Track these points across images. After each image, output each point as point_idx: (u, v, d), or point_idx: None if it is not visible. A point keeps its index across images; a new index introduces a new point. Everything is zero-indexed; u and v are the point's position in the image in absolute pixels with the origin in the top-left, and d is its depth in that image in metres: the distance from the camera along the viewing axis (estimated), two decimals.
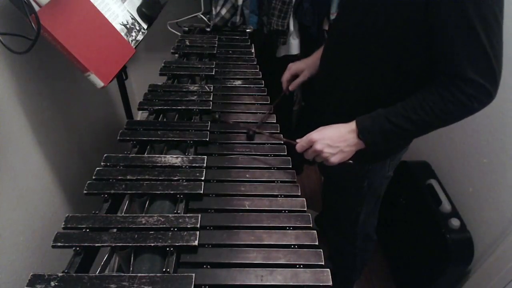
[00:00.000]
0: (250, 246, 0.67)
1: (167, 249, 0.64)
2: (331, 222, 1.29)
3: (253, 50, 1.36)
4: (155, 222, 0.68)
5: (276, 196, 0.78)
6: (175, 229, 0.67)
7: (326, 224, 1.42)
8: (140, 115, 1.77)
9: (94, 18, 0.95)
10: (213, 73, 1.16)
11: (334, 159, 0.79)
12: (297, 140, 0.83)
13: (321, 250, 0.67)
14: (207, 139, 0.90)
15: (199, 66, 1.19)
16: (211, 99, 1.04)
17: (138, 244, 0.64)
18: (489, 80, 0.67)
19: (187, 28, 1.49)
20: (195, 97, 1.04)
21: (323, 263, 0.65)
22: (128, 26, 1.05)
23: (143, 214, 0.70)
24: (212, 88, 1.08)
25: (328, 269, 0.63)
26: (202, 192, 0.76)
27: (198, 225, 0.68)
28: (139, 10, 1.11)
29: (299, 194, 0.79)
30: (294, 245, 0.68)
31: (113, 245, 0.64)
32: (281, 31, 1.44)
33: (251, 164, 0.85)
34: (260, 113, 1.02)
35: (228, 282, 0.61)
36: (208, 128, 0.93)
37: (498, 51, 0.66)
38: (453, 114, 0.72)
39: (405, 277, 1.53)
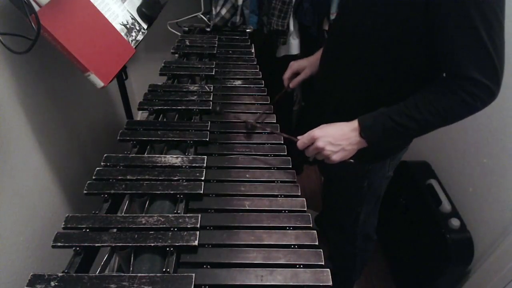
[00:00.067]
0: (250, 246, 0.67)
1: (167, 249, 0.64)
2: (331, 222, 1.29)
3: (253, 50, 1.36)
4: (155, 222, 0.68)
5: (276, 196, 0.78)
6: (175, 229, 0.67)
7: (326, 224, 1.42)
8: (140, 115, 1.77)
9: (94, 18, 0.95)
10: (213, 73, 1.16)
11: (336, 157, 0.79)
12: (298, 137, 0.83)
13: (321, 250, 0.67)
14: (207, 139, 0.90)
15: (199, 66, 1.19)
16: (211, 99, 1.04)
17: (138, 244, 0.64)
18: (491, 79, 0.67)
19: (187, 28, 1.49)
20: (195, 97, 1.04)
21: (323, 263, 0.65)
22: (128, 26, 1.05)
23: (143, 214, 0.70)
24: (212, 88, 1.08)
25: (328, 269, 0.63)
26: (202, 192, 0.76)
27: (198, 225, 0.68)
28: (139, 10, 1.11)
29: (299, 194, 0.79)
30: (294, 245, 0.68)
31: (113, 245, 0.64)
32: (281, 31, 1.44)
33: (251, 164, 0.85)
34: (260, 113, 1.02)
35: (228, 282, 0.61)
36: (208, 128, 0.93)
37: (500, 50, 0.67)
38: (455, 113, 0.72)
39: (405, 277, 1.53)
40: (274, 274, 0.62)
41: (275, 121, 0.99)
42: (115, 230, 0.67)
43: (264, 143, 0.92)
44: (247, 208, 0.75)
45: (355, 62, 0.85)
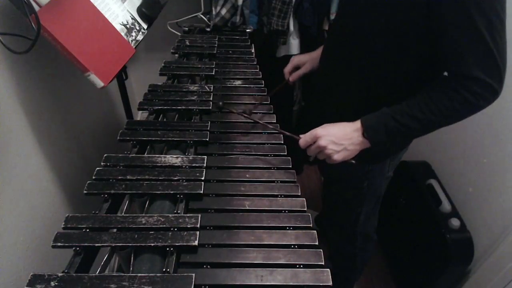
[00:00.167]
0: (250, 246, 0.67)
1: (167, 249, 0.64)
2: (331, 222, 1.29)
3: (253, 50, 1.36)
4: (155, 222, 0.68)
5: (276, 196, 0.78)
6: (175, 229, 0.67)
7: (326, 224, 1.42)
8: (140, 115, 1.77)
9: (94, 18, 0.95)
10: (213, 73, 1.16)
11: (338, 157, 0.79)
12: (301, 135, 0.83)
13: (321, 250, 0.67)
14: (207, 139, 0.90)
15: (199, 66, 1.19)
16: (211, 99, 1.04)
17: (138, 244, 0.64)
18: (494, 77, 0.67)
19: (187, 28, 1.49)
20: (195, 97, 1.04)
21: (323, 263, 0.65)
22: (128, 26, 1.05)
23: (143, 214, 0.70)
24: (212, 88, 1.08)
25: (328, 269, 0.63)
26: (202, 192, 0.76)
27: (198, 225, 0.68)
28: (139, 10, 1.11)
29: (299, 194, 0.79)
30: (294, 245, 0.68)
31: (113, 245, 0.64)
32: (281, 31, 1.44)
33: (251, 164, 0.85)
34: (260, 112, 1.02)
35: (228, 282, 0.61)
36: (208, 128, 0.93)
37: (502, 48, 0.66)
38: (458, 112, 0.72)
39: (405, 277, 1.53)
40: (274, 274, 0.62)
41: (275, 121, 0.99)
42: (115, 230, 0.67)
43: (264, 143, 0.92)
44: (247, 208, 0.75)
45: (355, 62, 0.85)
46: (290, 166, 0.85)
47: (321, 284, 0.62)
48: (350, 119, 0.82)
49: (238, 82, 1.15)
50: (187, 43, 1.33)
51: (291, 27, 1.45)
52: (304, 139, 0.82)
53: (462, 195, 1.34)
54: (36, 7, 0.76)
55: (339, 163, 0.81)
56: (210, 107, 1.01)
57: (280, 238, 0.68)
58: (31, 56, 0.86)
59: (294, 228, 0.71)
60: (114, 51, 0.98)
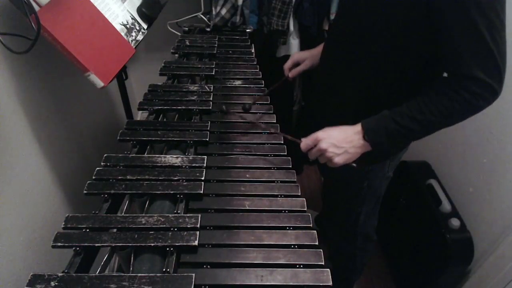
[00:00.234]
0: (250, 246, 0.67)
1: (167, 249, 0.64)
2: (331, 222, 1.29)
3: (253, 50, 1.36)
4: (155, 222, 0.68)
5: (276, 196, 0.78)
6: (175, 229, 0.67)
7: (326, 224, 1.42)
8: (140, 115, 1.77)
9: (94, 18, 0.95)
10: (213, 73, 1.16)
11: (338, 160, 0.79)
12: (302, 139, 0.83)
13: (321, 250, 0.67)
14: (207, 139, 0.90)
15: (199, 66, 1.19)
16: (211, 99, 1.04)
17: (138, 244, 0.64)
18: (493, 77, 0.67)
19: (187, 28, 1.49)
20: (195, 97, 1.04)
21: (323, 263, 0.65)
22: (128, 26, 1.05)
23: (143, 214, 0.70)
24: (212, 88, 1.08)
25: (328, 269, 0.63)
26: (202, 192, 0.76)
27: (198, 225, 0.68)
28: (139, 10, 1.11)
29: (299, 194, 0.79)
30: (294, 245, 0.68)
31: (113, 245, 0.64)
32: (281, 31, 1.45)
33: (251, 164, 0.85)
34: (260, 113, 1.02)
35: (228, 282, 0.61)
36: (208, 128, 0.93)
37: (502, 48, 0.66)
38: (458, 113, 0.72)
39: (405, 277, 1.53)
40: (274, 274, 0.62)
41: (275, 121, 0.99)
42: (115, 230, 0.67)
43: (264, 143, 0.92)
44: (247, 208, 0.75)
45: (355, 62, 0.85)
46: (290, 166, 0.85)
47: (321, 284, 0.61)
48: (350, 119, 0.81)
49: (238, 82, 1.15)
50: (187, 43, 1.33)
51: (291, 27, 1.45)
52: (305, 142, 0.82)
53: (462, 195, 1.34)
54: (36, 7, 0.76)
55: (340, 167, 0.81)
56: (210, 107, 1.01)
57: (280, 238, 0.68)
58: (31, 56, 0.86)
59: (294, 228, 0.71)
60: (114, 51, 0.98)
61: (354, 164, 0.81)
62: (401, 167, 1.46)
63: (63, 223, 0.67)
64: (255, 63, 1.26)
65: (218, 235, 0.69)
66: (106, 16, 0.98)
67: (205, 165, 0.82)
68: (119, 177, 0.78)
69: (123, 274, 0.59)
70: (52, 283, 0.58)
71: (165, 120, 1.01)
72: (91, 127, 1.37)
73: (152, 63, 1.71)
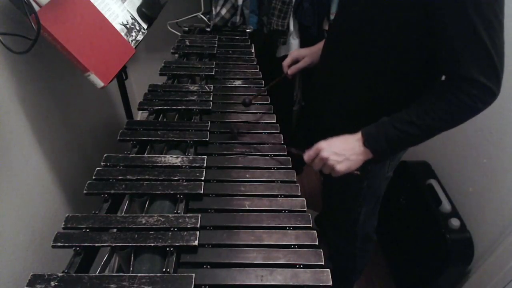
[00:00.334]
0: (250, 246, 0.67)
1: (167, 249, 0.64)
2: (331, 222, 1.29)
3: (253, 50, 1.36)
4: (155, 222, 0.68)
5: (276, 196, 0.78)
6: (175, 229, 0.67)
7: (326, 224, 1.42)
8: (140, 115, 1.77)
9: (94, 18, 0.95)
10: (213, 73, 1.16)
11: (340, 167, 0.78)
12: (306, 151, 0.83)
13: (321, 250, 0.67)
14: (207, 139, 0.90)
15: (199, 66, 1.19)
16: (211, 99, 1.04)
17: (138, 244, 0.64)
18: (491, 79, 0.67)
19: (187, 28, 1.49)
20: (195, 97, 1.04)
21: (323, 263, 0.65)
22: (128, 26, 1.05)
23: (143, 214, 0.70)
24: (212, 88, 1.08)
25: (328, 269, 0.63)
26: (202, 192, 0.76)
27: (198, 225, 0.68)
28: (139, 10, 1.11)
29: (299, 194, 0.79)
30: (294, 245, 0.68)
31: (113, 245, 0.64)
32: (281, 31, 1.45)
33: (251, 164, 0.85)
34: (260, 113, 1.02)
35: (228, 282, 0.61)
36: (208, 128, 0.93)
37: (500, 50, 0.66)
38: (457, 116, 0.72)
39: (405, 277, 1.53)
40: (274, 274, 0.62)
41: (275, 121, 0.99)
42: (115, 230, 0.67)
43: (264, 143, 0.92)
44: (247, 208, 0.75)
45: (355, 62, 0.85)
46: (290, 166, 0.85)
47: (321, 284, 0.62)
48: (349, 119, 0.82)
49: (238, 82, 1.15)
50: (187, 43, 1.33)
51: (291, 27, 1.45)
52: (308, 153, 0.82)
53: (462, 195, 1.34)
54: (36, 7, 0.76)
55: (344, 175, 0.80)
56: (210, 107, 1.01)
57: (280, 238, 0.68)
58: (31, 56, 0.86)
59: (294, 228, 0.71)
60: (114, 51, 0.98)
61: (357, 172, 0.81)
62: (401, 167, 1.46)
63: (63, 223, 0.67)
64: (255, 63, 1.26)
65: (218, 235, 0.69)
66: (106, 16, 0.98)
67: (205, 165, 0.82)
68: (119, 177, 0.78)
69: (123, 274, 0.59)
70: (52, 283, 0.58)
71: (165, 120, 1.01)
72: (91, 127, 1.37)
73: (152, 63, 1.71)
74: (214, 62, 1.21)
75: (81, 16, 0.90)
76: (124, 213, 0.73)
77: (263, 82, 1.15)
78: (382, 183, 1.05)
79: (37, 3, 0.77)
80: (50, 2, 0.79)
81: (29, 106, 0.95)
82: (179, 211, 0.72)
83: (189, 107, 1.00)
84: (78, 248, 0.64)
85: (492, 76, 0.67)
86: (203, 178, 0.79)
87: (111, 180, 0.77)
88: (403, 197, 1.51)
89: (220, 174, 0.82)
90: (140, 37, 1.08)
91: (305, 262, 0.65)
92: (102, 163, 0.81)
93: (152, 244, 0.64)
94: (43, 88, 1.03)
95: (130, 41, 1.04)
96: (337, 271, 1.30)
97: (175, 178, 0.78)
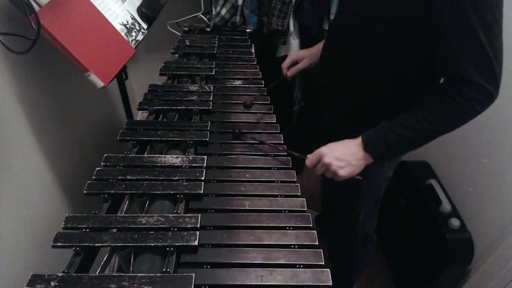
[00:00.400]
0: (250, 246, 0.67)
1: (167, 249, 0.64)
2: (331, 223, 1.29)
3: (253, 50, 1.36)
4: (155, 222, 0.68)
5: (276, 196, 0.78)
6: (175, 229, 0.67)
7: (326, 224, 1.42)
8: (140, 115, 1.77)
9: (94, 18, 0.95)
10: (213, 73, 1.16)
11: (343, 172, 0.79)
12: (308, 155, 0.84)
13: (321, 250, 0.67)
14: (207, 139, 0.90)
15: (199, 66, 1.19)
16: (211, 99, 1.04)
17: (138, 244, 0.64)
18: (490, 81, 0.67)
19: (187, 28, 1.49)
20: (195, 97, 1.04)
21: (323, 263, 0.65)
22: (128, 26, 1.05)
23: (143, 214, 0.70)
24: (212, 88, 1.08)
25: (328, 269, 0.63)
26: (202, 192, 0.76)
27: (198, 225, 0.68)
28: (139, 10, 1.11)
29: (299, 194, 0.79)
30: (294, 245, 0.68)
31: (113, 245, 0.64)
32: (281, 31, 1.45)
33: (251, 164, 0.85)
34: (260, 113, 1.02)
35: (228, 282, 0.61)
36: (208, 128, 0.93)
37: (498, 52, 0.66)
38: (456, 120, 0.72)
39: (405, 277, 1.53)
40: (274, 274, 0.62)
41: (275, 121, 0.99)
42: (115, 230, 0.67)
43: (264, 143, 0.92)
44: (247, 208, 0.75)
45: (354, 62, 0.85)
46: (290, 166, 0.85)
47: (321, 284, 0.61)
48: (349, 119, 0.82)
49: (238, 82, 1.15)
50: (187, 43, 1.33)
51: (291, 27, 1.45)
52: (310, 158, 0.83)
53: (462, 195, 1.34)
54: (36, 7, 0.76)
55: (346, 179, 0.81)
56: (210, 107, 1.01)
57: (280, 238, 0.68)
58: (31, 56, 0.86)
59: (294, 228, 0.71)
60: (114, 51, 0.98)
61: (359, 177, 0.82)
62: (401, 167, 1.46)
63: (63, 223, 0.67)
64: (255, 63, 1.26)
65: (218, 235, 0.69)
66: (106, 16, 0.98)
67: (205, 165, 0.82)
68: (119, 177, 0.78)
69: (123, 274, 0.59)
70: (52, 283, 0.58)
71: (165, 120, 1.01)
72: (91, 127, 1.38)
73: (152, 63, 1.72)
74: (214, 62, 1.21)
75: (81, 16, 0.90)
76: (124, 213, 0.73)
77: (263, 82, 1.15)
78: (381, 183, 1.05)
79: (37, 3, 0.77)
80: (50, 2, 0.79)
81: (29, 106, 0.95)
82: (179, 211, 0.72)
83: (189, 107, 1.00)
84: (78, 248, 0.64)
85: (491, 78, 0.67)
86: (203, 178, 0.79)
87: (111, 180, 0.77)
88: (403, 197, 1.51)
89: (220, 174, 0.82)
90: (140, 37, 1.08)
91: (305, 262, 0.65)
92: (102, 163, 0.81)
93: (152, 244, 0.64)
94: (43, 88, 1.03)
95: (130, 41, 1.04)
96: (337, 271, 1.30)
97: (175, 178, 0.78)
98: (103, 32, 0.96)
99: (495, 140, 1.20)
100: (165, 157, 0.83)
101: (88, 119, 1.36)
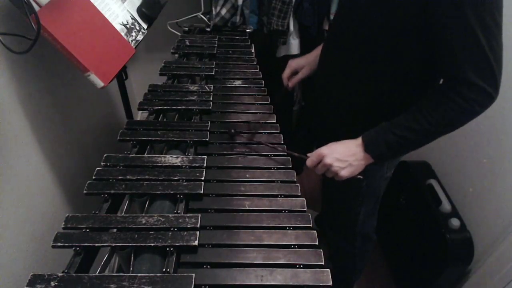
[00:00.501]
0: (250, 246, 0.67)
1: (167, 249, 0.64)
2: (331, 222, 1.29)
3: (253, 50, 1.36)
4: (155, 222, 0.68)
5: (276, 196, 0.78)
6: (175, 229, 0.67)
7: (326, 224, 1.42)
8: (140, 115, 1.77)
9: (94, 18, 0.95)
10: (213, 73, 1.16)
11: (344, 173, 0.80)
12: (308, 154, 0.84)
13: (321, 250, 0.67)
14: (207, 139, 0.90)
15: (199, 66, 1.19)
16: (211, 99, 1.04)
17: (138, 244, 0.64)
18: (489, 82, 0.67)
19: (187, 28, 1.49)
20: (195, 97, 1.04)
21: (323, 263, 0.65)
22: (128, 26, 1.05)
23: (143, 214, 0.70)
24: (212, 88, 1.08)
25: (328, 269, 0.63)
26: (202, 192, 0.76)
27: (198, 225, 0.68)
28: (139, 10, 1.11)
29: (299, 194, 0.79)
30: (294, 245, 0.68)
31: (113, 245, 0.64)
32: (281, 31, 1.44)
33: (251, 164, 0.85)
34: (260, 113, 1.02)
35: (228, 282, 0.61)
36: (208, 128, 0.93)
37: (498, 53, 0.66)
38: (455, 120, 0.72)
39: (405, 277, 1.53)
40: (274, 274, 0.62)
41: (275, 121, 0.99)
42: (115, 230, 0.67)
43: (264, 143, 0.92)
44: (247, 208, 0.75)
45: (353, 62, 0.85)
46: (290, 166, 0.85)
47: (321, 284, 0.62)
48: (349, 119, 0.82)
49: (238, 82, 1.15)
50: (187, 43, 1.33)
51: (291, 27, 1.45)
52: (310, 159, 0.83)
53: (462, 195, 1.34)
54: (36, 7, 0.76)
55: (347, 179, 0.81)
56: (210, 107, 1.01)
57: (280, 238, 0.68)
58: (31, 56, 0.86)
59: (294, 228, 0.71)
60: (114, 51, 0.98)
61: (360, 176, 0.82)
62: (401, 167, 1.46)
63: (63, 223, 0.67)
64: (255, 63, 1.26)
65: (218, 235, 0.69)
66: (106, 16, 0.98)
67: (205, 165, 0.82)
68: (119, 177, 0.78)
69: (123, 274, 0.59)
70: (52, 283, 0.58)
71: (165, 120, 1.01)
72: (91, 127, 1.37)
73: (152, 63, 1.71)
74: (214, 62, 1.21)
75: (81, 16, 0.90)
76: (124, 213, 0.73)
77: (263, 82, 1.15)
78: (381, 183, 1.05)
79: (37, 3, 0.77)
80: (50, 2, 0.79)
81: (29, 106, 0.95)
82: (179, 211, 0.72)
83: (189, 107, 1.00)
84: (78, 248, 0.64)
85: (490, 79, 0.67)
86: (203, 178, 0.79)
87: (111, 180, 0.77)
88: (403, 197, 1.51)
89: (220, 174, 0.82)
90: (140, 37, 1.08)
91: (305, 262, 0.65)
92: (102, 163, 0.81)
93: (152, 244, 0.64)
94: (43, 88, 1.03)
95: (130, 41, 1.04)
96: (337, 271, 1.30)
97: (175, 178, 0.78)
98: (103, 32, 0.96)
99: (495, 140, 1.20)
100: (165, 157, 0.83)
101: (88, 119, 1.36)
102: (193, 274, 0.60)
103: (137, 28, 1.09)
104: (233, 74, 1.19)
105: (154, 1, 1.17)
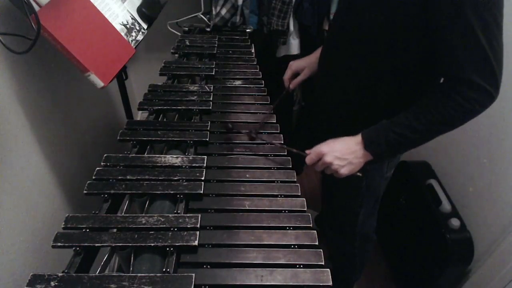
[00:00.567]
0: (250, 246, 0.67)
1: (167, 249, 0.64)
2: (331, 223, 1.29)
3: (253, 50, 1.36)
4: (155, 222, 0.68)
5: (276, 196, 0.78)
6: (175, 229, 0.67)
7: (326, 224, 1.42)
8: (140, 115, 1.77)
9: (94, 18, 0.95)
10: (213, 73, 1.16)
11: (343, 171, 0.80)
12: (307, 151, 0.84)
13: (321, 250, 0.67)
14: (207, 139, 0.90)
15: (199, 66, 1.19)
16: (211, 99, 1.04)
17: (138, 244, 0.64)
18: (490, 81, 0.67)
19: (187, 28, 1.49)
20: (195, 97, 1.04)
21: (323, 263, 0.65)
22: (128, 26, 1.05)
23: (143, 214, 0.70)
24: (212, 88, 1.08)
25: (328, 269, 0.63)
26: (202, 192, 0.76)
27: (198, 225, 0.68)
28: (139, 10, 1.11)
29: (299, 194, 0.79)
30: (294, 245, 0.68)
31: (113, 245, 0.64)
32: (281, 31, 1.45)
33: (251, 164, 0.85)
34: (260, 113, 1.02)
35: (228, 282, 0.61)
36: (208, 128, 0.93)
37: (498, 53, 0.66)
38: (455, 119, 0.72)
39: (405, 277, 1.53)
40: (274, 274, 0.62)
41: (275, 121, 0.99)
42: (115, 230, 0.67)
43: (264, 143, 0.92)
44: (247, 208, 0.75)
45: (353, 62, 0.85)
46: (290, 166, 0.85)
47: (321, 284, 0.62)
48: (349, 118, 0.81)
49: (238, 82, 1.15)
50: (187, 43, 1.33)
51: (291, 27, 1.45)
52: (310, 157, 0.83)
53: (462, 195, 1.34)
54: (36, 7, 0.76)
55: (346, 177, 0.81)
56: (210, 107, 1.01)
57: (280, 238, 0.69)
58: (31, 56, 0.86)
59: (294, 228, 0.71)
60: (114, 51, 0.98)
61: (359, 174, 0.82)
62: (401, 167, 1.46)
63: (63, 223, 0.67)
64: (255, 63, 1.26)
65: (218, 235, 0.69)
66: (106, 16, 0.98)
67: (205, 165, 0.82)
68: (119, 177, 0.78)
69: (123, 274, 0.59)
70: (52, 283, 0.58)
71: (165, 120, 1.01)
72: (91, 127, 1.37)
73: (152, 63, 1.72)
74: (214, 62, 1.21)
75: (81, 16, 0.90)
76: (124, 213, 0.73)
77: (263, 82, 1.15)
78: (381, 183, 1.05)
79: (37, 3, 0.77)
80: (50, 2, 0.79)
81: (29, 106, 0.95)
82: (179, 211, 0.72)
83: (189, 107, 1.00)
84: (78, 248, 0.64)
85: (490, 79, 0.67)
86: (203, 178, 0.79)
87: (111, 180, 0.77)
88: (403, 197, 1.51)
89: (220, 174, 0.82)
90: (140, 37, 1.08)
91: (305, 262, 0.65)
92: (102, 163, 0.81)
93: (152, 244, 0.64)
94: (43, 88, 1.03)
95: (130, 41, 1.04)
96: (337, 271, 1.30)
97: (175, 178, 0.78)
98: (103, 32, 0.96)
99: (495, 140, 1.20)
100: (165, 157, 0.83)
101: (88, 119, 1.36)
102: (193, 274, 0.60)
103: (137, 28, 1.09)
104: (233, 74, 1.19)
105: (154, 1, 1.17)
